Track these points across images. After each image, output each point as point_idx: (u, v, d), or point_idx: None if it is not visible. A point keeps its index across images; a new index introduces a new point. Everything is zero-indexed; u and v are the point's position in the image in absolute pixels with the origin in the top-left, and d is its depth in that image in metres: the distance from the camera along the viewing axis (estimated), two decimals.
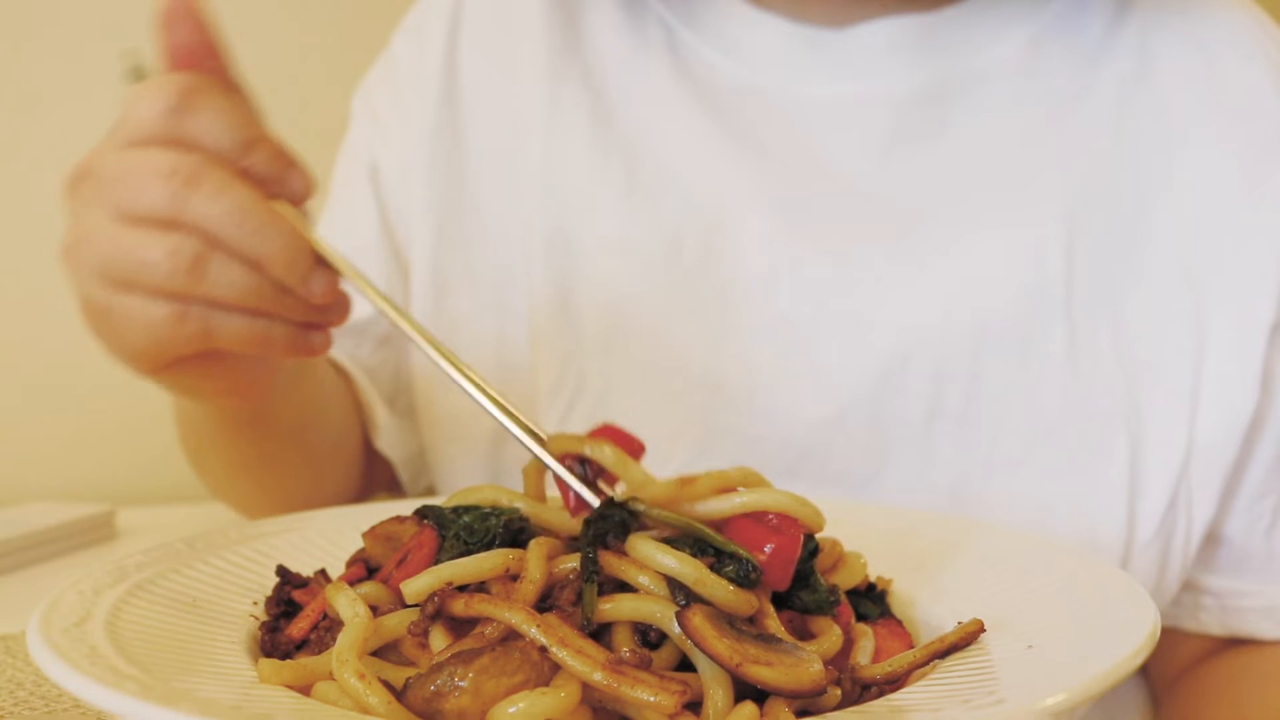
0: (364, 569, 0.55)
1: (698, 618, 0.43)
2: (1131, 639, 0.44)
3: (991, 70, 0.83)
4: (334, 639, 0.47)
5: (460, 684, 0.41)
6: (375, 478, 0.93)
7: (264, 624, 0.53)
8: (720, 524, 0.49)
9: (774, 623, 0.47)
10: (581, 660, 0.42)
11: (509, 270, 0.86)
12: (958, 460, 0.79)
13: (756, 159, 0.84)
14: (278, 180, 0.55)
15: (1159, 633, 0.46)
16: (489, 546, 0.49)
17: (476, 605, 0.45)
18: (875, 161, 0.82)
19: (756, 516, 0.49)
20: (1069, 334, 0.78)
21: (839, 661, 0.48)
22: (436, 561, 0.49)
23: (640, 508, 0.49)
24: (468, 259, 0.88)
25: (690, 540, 0.48)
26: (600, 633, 0.45)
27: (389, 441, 0.89)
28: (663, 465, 0.80)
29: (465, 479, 0.87)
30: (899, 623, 0.55)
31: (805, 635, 0.49)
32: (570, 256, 0.85)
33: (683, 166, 0.84)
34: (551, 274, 0.84)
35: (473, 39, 0.91)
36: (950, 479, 0.79)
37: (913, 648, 0.51)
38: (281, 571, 0.57)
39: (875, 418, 0.79)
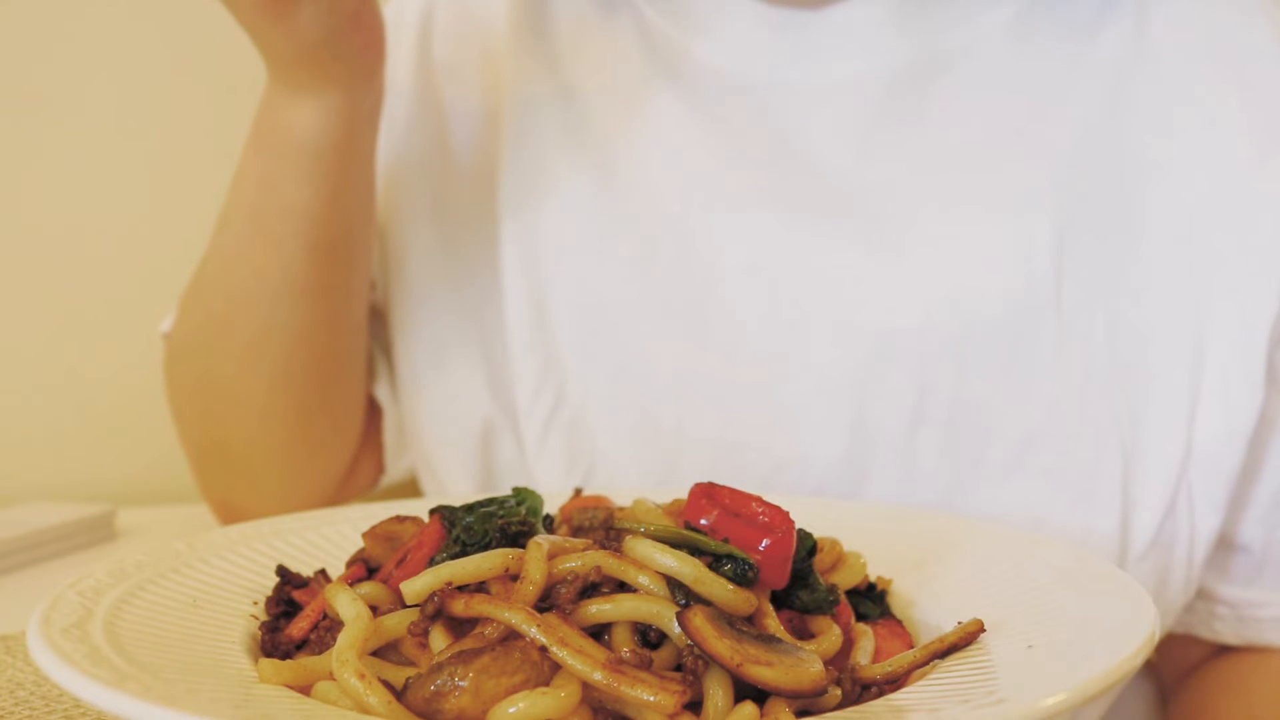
0: (364, 569, 0.56)
1: (698, 618, 0.43)
2: (1131, 639, 0.44)
3: (976, 46, 0.78)
4: (334, 639, 0.47)
5: (460, 684, 0.41)
6: (362, 465, 0.93)
7: (264, 624, 0.53)
8: (712, 526, 0.49)
9: (773, 622, 0.47)
10: (581, 660, 0.42)
11: (485, 273, 0.85)
12: (942, 471, 0.75)
13: (731, 150, 0.80)
14: None
15: (1159, 633, 0.46)
16: (486, 547, 0.49)
17: (476, 605, 0.45)
18: (854, 149, 0.78)
19: (747, 517, 0.49)
20: (1059, 335, 0.74)
21: (839, 661, 0.48)
22: (435, 562, 0.49)
23: (630, 524, 0.49)
24: (445, 261, 0.86)
25: (686, 545, 0.48)
26: (600, 633, 0.45)
27: (382, 389, 0.90)
28: (630, 475, 0.79)
29: (455, 479, 0.86)
30: (899, 623, 0.55)
31: (805, 635, 0.49)
32: (543, 258, 0.82)
33: (654, 160, 0.81)
34: (526, 275, 0.82)
35: (443, 36, 0.88)
36: (934, 491, 0.75)
37: (913, 648, 0.51)
38: (281, 571, 0.57)
39: (855, 426, 0.76)
